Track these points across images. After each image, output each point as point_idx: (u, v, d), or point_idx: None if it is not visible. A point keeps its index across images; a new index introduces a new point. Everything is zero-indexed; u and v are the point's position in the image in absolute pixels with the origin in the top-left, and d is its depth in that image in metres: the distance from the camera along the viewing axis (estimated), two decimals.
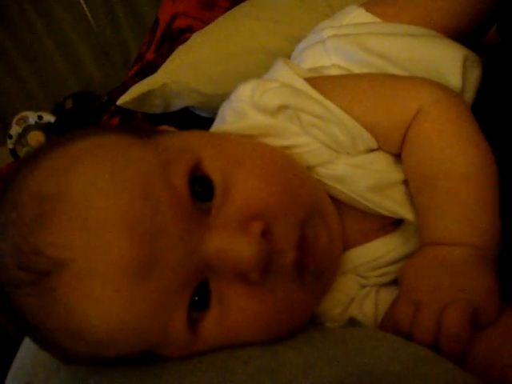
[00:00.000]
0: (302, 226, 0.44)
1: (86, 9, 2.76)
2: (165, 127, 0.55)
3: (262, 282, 0.41)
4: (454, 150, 0.48)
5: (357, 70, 0.61)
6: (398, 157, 0.52)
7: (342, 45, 0.63)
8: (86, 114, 2.38)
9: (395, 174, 0.51)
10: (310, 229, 0.44)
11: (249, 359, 0.40)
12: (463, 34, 0.66)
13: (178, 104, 1.08)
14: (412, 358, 0.38)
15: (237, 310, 0.42)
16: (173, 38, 1.46)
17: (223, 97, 0.91)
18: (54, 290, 0.39)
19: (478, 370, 0.40)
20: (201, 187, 0.43)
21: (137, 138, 0.45)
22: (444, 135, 0.48)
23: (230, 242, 0.40)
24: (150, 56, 1.57)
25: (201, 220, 0.41)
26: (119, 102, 1.10)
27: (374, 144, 0.51)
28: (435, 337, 0.42)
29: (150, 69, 1.51)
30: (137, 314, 0.39)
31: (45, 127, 2.45)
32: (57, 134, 2.33)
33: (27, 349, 0.53)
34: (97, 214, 0.38)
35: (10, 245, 0.40)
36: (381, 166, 0.51)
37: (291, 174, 0.47)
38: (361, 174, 0.50)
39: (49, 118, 2.48)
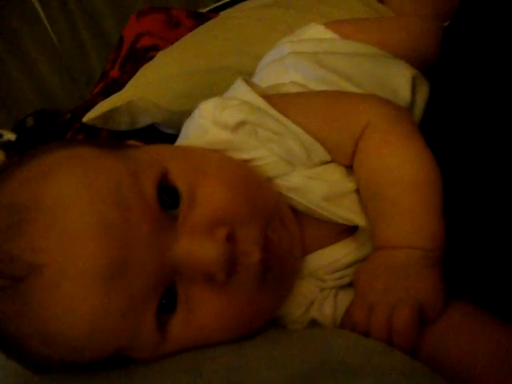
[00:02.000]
0: (265, 230, 0.47)
1: (47, 26, 2.74)
2: (132, 142, 0.58)
3: (228, 283, 0.44)
4: (400, 160, 0.51)
5: (314, 85, 0.64)
6: (349, 168, 0.55)
7: (301, 62, 0.67)
8: (49, 131, 2.37)
9: (348, 184, 0.54)
10: (273, 233, 0.48)
11: (215, 357, 0.43)
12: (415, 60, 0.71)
13: (144, 121, 1.09)
14: (367, 351, 0.41)
15: (203, 311, 0.44)
16: (138, 57, 1.48)
17: (189, 113, 0.93)
18: (28, 294, 0.40)
19: (429, 360, 0.43)
20: (168, 196, 0.45)
21: (107, 150, 0.48)
22: (391, 147, 0.52)
23: (198, 246, 0.43)
24: (114, 74, 1.58)
25: (169, 226, 0.44)
26: (85, 119, 1.10)
27: (327, 157, 0.55)
28: (389, 333, 0.45)
29: (115, 86, 1.52)
30: (108, 316, 0.41)
31: (5, 145, 2.41)
32: (18, 152, 2.30)
33: None
34: (71, 221, 0.40)
35: None
36: (334, 177, 0.55)
37: (252, 184, 0.51)
38: (315, 184, 0.53)
39: (9, 136, 2.44)
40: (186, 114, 0.99)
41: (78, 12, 2.74)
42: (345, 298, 0.54)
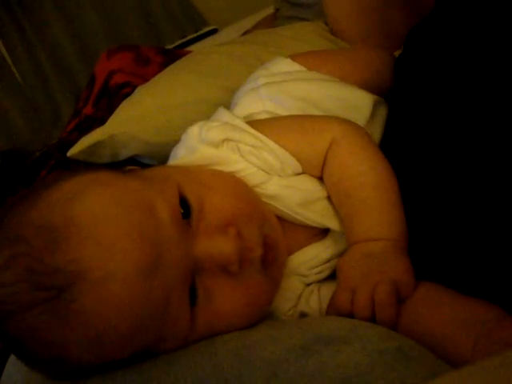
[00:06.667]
0: (262, 230, 0.55)
1: (11, 65, 2.75)
2: (130, 167, 0.66)
3: (239, 273, 0.52)
4: (363, 167, 0.61)
5: (284, 113, 0.72)
6: (319, 178, 0.64)
7: (273, 92, 0.75)
8: (17, 171, 2.36)
9: (318, 192, 0.63)
10: (267, 231, 0.56)
11: (225, 342, 0.51)
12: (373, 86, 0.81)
13: (125, 153, 1.13)
14: (353, 326, 0.49)
15: (221, 297, 0.53)
16: (111, 93, 1.53)
17: (169, 145, 1.00)
18: (73, 301, 0.45)
19: (405, 334, 0.51)
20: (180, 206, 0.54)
21: (121, 173, 0.56)
22: (354, 157, 0.61)
23: (214, 243, 0.52)
24: (87, 111, 1.62)
25: (187, 231, 0.52)
26: (69, 153, 1.13)
27: (299, 169, 0.63)
28: (371, 312, 0.52)
29: (89, 123, 1.57)
30: (151, 307, 0.48)
31: None
32: None
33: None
34: (108, 231, 0.47)
35: (22, 271, 0.45)
36: (306, 186, 0.63)
37: (245, 192, 0.59)
38: (290, 192, 0.61)
39: None
40: (166, 145, 1.06)
41: (42, 50, 2.76)
42: (328, 291, 0.61)
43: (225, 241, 0.52)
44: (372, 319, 0.52)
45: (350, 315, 0.54)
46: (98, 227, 0.47)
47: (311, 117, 0.69)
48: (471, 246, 0.52)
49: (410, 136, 0.62)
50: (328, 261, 0.62)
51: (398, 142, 0.64)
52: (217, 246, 0.51)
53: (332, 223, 0.62)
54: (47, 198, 0.50)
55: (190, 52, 1.49)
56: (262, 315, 0.57)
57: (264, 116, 0.72)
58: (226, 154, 0.62)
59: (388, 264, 0.55)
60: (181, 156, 0.66)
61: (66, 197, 0.50)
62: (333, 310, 0.58)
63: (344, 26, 1.16)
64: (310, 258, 0.62)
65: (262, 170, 0.62)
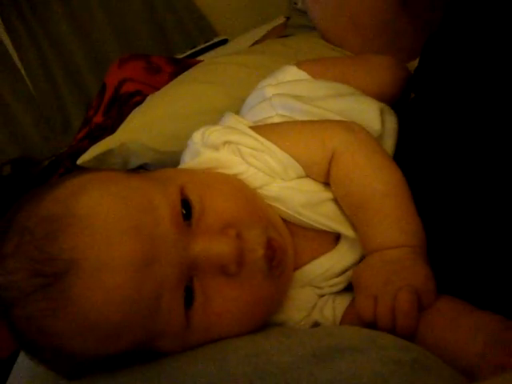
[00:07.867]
0: (266, 231, 0.55)
1: (24, 73, 2.78)
2: (141, 170, 0.66)
3: (237, 274, 0.52)
4: (370, 177, 0.60)
5: (299, 118, 0.71)
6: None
7: (286, 100, 0.74)
8: (27, 179, 2.37)
9: (324, 193, 0.62)
10: (271, 233, 0.56)
11: (236, 349, 0.50)
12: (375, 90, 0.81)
13: (135, 162, 1.13)
14: (368, 335, 0.48)
15: (219, 298, 0.53)
16: (122, 102, 1.54)
17: (179, 154, 1.00)
18: (68, 288, 0.46)
19: (419, 341, 0.50)
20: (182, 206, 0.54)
21: (128, 174, 0.57)
22: (360, 168, 0.60)
23: (213, 243, 0.52)
24: (98, 119, 1.63)
25: (186, 230, 0.53)
26: (79, 161, 1.13)
27: (302, 172, 0.63)
28: (393, 319, 0.52)
29: (99, 131, 1.57)
30: (143, 300, 0.48)
31: None
32: None
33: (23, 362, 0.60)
34: (105, 223, 0.48)
35: (24, 259, 0.47)
36: (310, 188, 0.63)
37: (248, 194, 0.60)
38: (293, 193, 0.61)
39: None
40: (176, 154, 1.06)
41: (53, 59, 2.78)
42: (342, 302, 0.61)
43: (223, 242, 0.52)
44: (393, 327, 0.52)
45: (373, 323, 0.53)
46: (97, 219, 0.49)
47: (315, 123, 0.67)
48: (480, 254, 0.52)
49: (433, 149, 0.61)
50: (343, 272, 0.62)
51: (421, 154, 0.63)
52: (215, 246, 0.52)
53: (342, 227, 0.61)
54: (52, 194, 0.52)
55: (200, 62, 1.49)
56: (264, 319, 0.57)
57: (277, 119, 0.72)
58: (226, 157, 0.63)
59: (408, 271, 0.54)
60: (187, 161, 0.67)
61: (69, 192, 0.52)
62: (351, 318, 0.58)
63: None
64: (326, 269, 0.62)
65: (264, 173, 0.62)
